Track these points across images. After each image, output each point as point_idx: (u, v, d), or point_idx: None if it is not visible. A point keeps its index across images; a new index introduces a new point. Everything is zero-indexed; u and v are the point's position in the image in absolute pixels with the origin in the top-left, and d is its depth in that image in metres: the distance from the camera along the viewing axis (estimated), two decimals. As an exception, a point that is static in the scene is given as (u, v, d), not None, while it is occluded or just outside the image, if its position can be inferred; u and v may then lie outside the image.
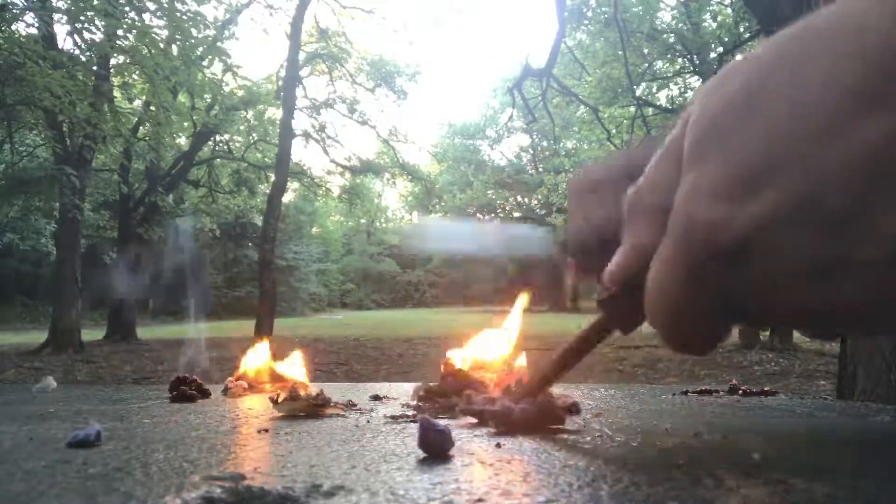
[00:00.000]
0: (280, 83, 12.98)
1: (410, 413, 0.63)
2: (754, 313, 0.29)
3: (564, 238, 0.43)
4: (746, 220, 0.26)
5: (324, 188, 18.24)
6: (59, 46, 8.51)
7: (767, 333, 8.52)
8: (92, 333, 11.03)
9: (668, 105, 12.06)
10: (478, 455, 0.41)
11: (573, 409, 0.55)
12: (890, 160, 0.23)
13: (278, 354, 0.99)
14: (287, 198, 19.25)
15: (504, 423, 0.50)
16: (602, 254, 0.37)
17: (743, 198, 0.26)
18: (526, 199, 31.57)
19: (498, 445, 0.45)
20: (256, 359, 0.96)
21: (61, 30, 8.74)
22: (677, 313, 0.30)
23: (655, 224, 0.32)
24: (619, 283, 0.35)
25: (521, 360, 0.73)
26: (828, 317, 0.27)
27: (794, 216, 0.25)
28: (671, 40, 11.26)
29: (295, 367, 0.94)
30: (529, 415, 0.50)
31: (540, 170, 27.44)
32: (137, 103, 11.85)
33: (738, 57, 0.31)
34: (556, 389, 0.72)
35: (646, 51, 11.54)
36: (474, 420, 0.55)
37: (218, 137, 14.17)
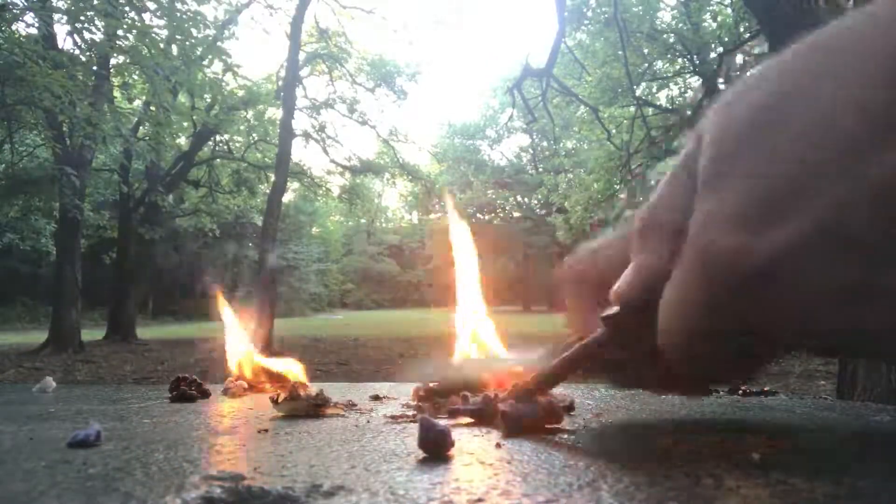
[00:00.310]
0: (280, 83, 12.98)
1: (410, 413, 0.63)
2: (773, 340, 0.29)
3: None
4: (768, 248, 0.25)
5: (324, 188, 18.24)
6: (59, 46, 8.51)
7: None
8: (92, 333, 11.03)
9: (668, 105, 12.07)
10: (478, 455, 0.41)
11: (570, 407, 0.55)
12: None
13: (278, 354, 0.99)
14: (287, 198, 19.25)
15: (516, 425, 0.50)
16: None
17: (765, 225, 0.25)
18: (526, 199, 31.59)
19: (498, 445, 0.45)
20: (245, 358, 0.95)
21: (61, 30, 8.75)
22: (696, 334, 0.30)
23: (667, 244, 0.31)
24: (626, 301, 0.35)
25: (515, 359, 0.73)
26: (851, 344, 0.27)
27: (818, 244, 0.24)
28: (671, 40, 11.26)
29: (291, 366, 0.94)
30: (535, 415, 0.50)
31: (540, 170, 27.45)
32: (137, 103, 11.85)
33: (753, 70, 0.29)
34: (558, 389, 0.72)
35: (646, 51, 11.54)
36: (470, 420, 0.55)
37: (218, 137, 14.17)
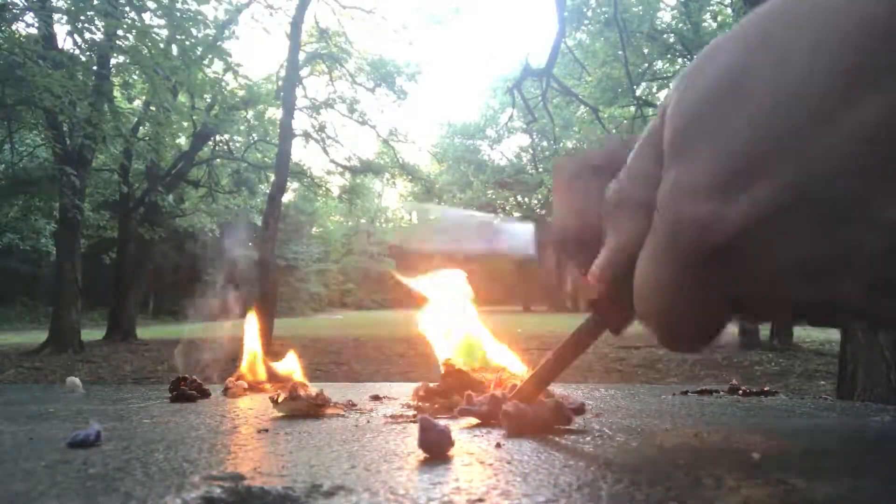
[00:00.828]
0: (280, 83, 12.97)
1: (410, 413, 0.63)
2: (751, 310, 0.28)
3: (551, 234, 0.42)
4: (737, 216, 0.24)
5: (324, 188, 18.24)
6: (59, 46, 8.51)
7: (767, 333, 8.53)
8: (92, 333, 11.03)
9: (668, 105, 12.06)
10: (478, 455, 0.41)
11: (580, 409, 0.55)
12: (886, 144, 0.21)
13: (278, 354, 0.99)
14: (287, 198, 19.27)
15: (518, 425, 0.50)
16: (583, 248, 0.36)
17: (731, 194, 0.24)
18: (526, 199, 31.58)
19: (498, 445, 0.45)
20: (253, 358, 0.95)
21: (61, 30, 8.75)
22: (668, 312, 0.29)
23: (639, 220, 0.30)
24: (605, 281, 0.34)
25: (512, 360, 0.73)
26: (828, 311, 0.26)
27: (787, 210, 0.23)
28: (671, 40, 11.26)
29: (291, 366, 0.94)
30: (541, 416, 0.50)
31: (540, 170, 27.44)
32: (137, 103, 11.85)
33: (718, 37, 0.28)
34: (557, 389, 0.72)
35: (646, 51, 11.55)
36: (475, 421, 0.55)
37: (218, 137, 14.16)
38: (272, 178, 11.27)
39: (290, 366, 0.94)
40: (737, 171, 0.24)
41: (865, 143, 0.22)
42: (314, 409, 0.63)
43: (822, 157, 0.22)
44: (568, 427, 0.52)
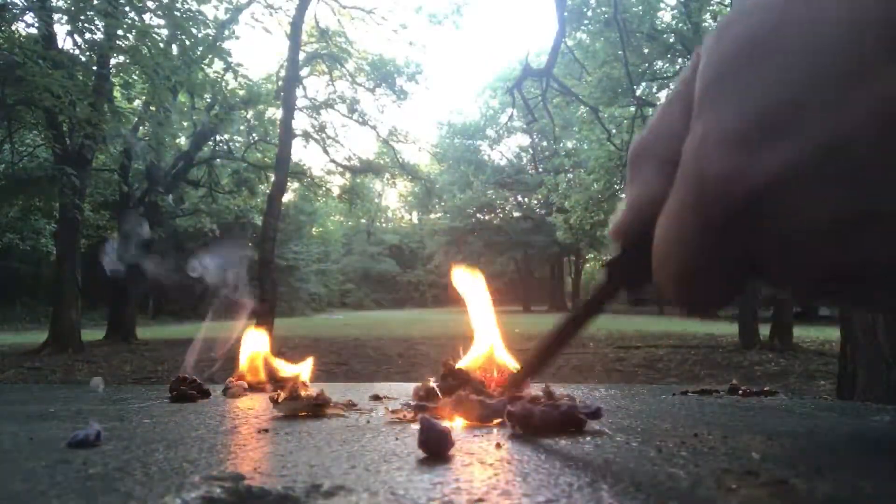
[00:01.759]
0: (280, 83, 12.98)
1: (410, 413, 0.63)
2: (773, 272, 0.26)
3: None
4: (764, 171, 0.23)
5: (324, 188, 18.25)
6: (60, 46, 8.51)
7: (768, 333, 8.54)
8: (92, 333, 11.03)
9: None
10: (478, 455, 0.41)
11: (596, 414, 0.54)
12: None
13: (279, 355, 0.99)
14: (287, 198, 19.26)
15: (524, 426, 0.50)
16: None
17: (760, 147, 0.24)
18: (526, 199, 31.59)
19: (498, 445, 0.45)
20: (256, 356, 0.95)
21: (61, 30, 8.75)
22: (688, 271, 0.28)
23: (662, 175, 0.29)
24: (622, 237, 0.33)
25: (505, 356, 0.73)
26: (852, 277, 0.24)
27: (816, 166, 0.22)
28: (671, 40, 11.26)
29: (298, 368, 0.94)
30: (550, 418, 0.50)
31: (540, 170, 27.45)
32: (137, 103, 11.85)
33: None
34: (563, 390, 0.72)
35: (646, 51, 11.55)
36: (498, 420, 0.55)
37: (218, 137, 14.17)
38: (272, 178, 11.28)
39: (300, 369, 0.94)
40: (768, 123, 0.24)
41: None
42: (314, 409, 0.63)
43: (856, 113, 0.22)
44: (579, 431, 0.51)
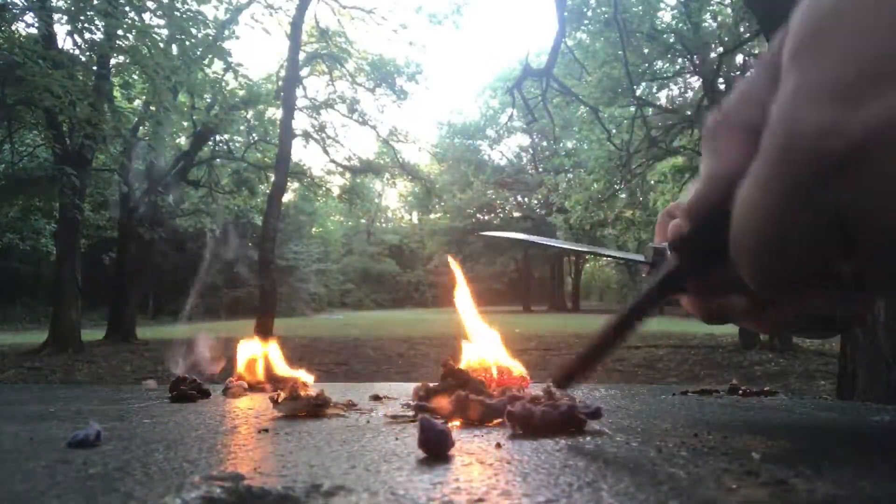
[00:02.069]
0: (280, 83, 12.98)
1: (410, 413, 0.63)
2: (870, 241, 0.24)
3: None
4: (864, 123, 0.22)
5: (324, 188, 18.25)
6: (59, 46, 8.51)
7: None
8: (92, 333, 11.03)
9: (668, 105, 12.07)
10: (478, 455, 0.41)
11: (596, 414, 0.54)
12: None
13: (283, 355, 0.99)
14: (287, 198, 19.26)
15: (525, 426, 0.50)
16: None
17: (860, 98, 0.22)
18: (526, 199, 31.60)
19: (498, 445, 0.45)
20: (254, 357, 0.95)
21: (61, 30, 8.74)
22: (771, 243, 0.25)
23: (743, 146, 0.27)
24: (696, 216, 0.30)
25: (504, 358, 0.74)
26: None
27: None
28: (671, 40, 11.26)
29: (301, 375, 0.94)
30: (550, 418, 0.50)
31: (540, 170, 27.45)
32: (137, 103, 11.85)
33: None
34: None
35: (646, 51, 11.54)
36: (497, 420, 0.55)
37: (218, 137, 14.17)
38: (272, 178, 11.28)
39: (298, 374, 0.94)
40: (868, 73, 0.22)
41: None
42: (314, 409, 0.63)
43: None
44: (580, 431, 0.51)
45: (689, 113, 10.88)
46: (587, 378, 0.45)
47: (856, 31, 0.23)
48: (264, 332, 8.50)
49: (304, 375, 0.94)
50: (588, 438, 0.48)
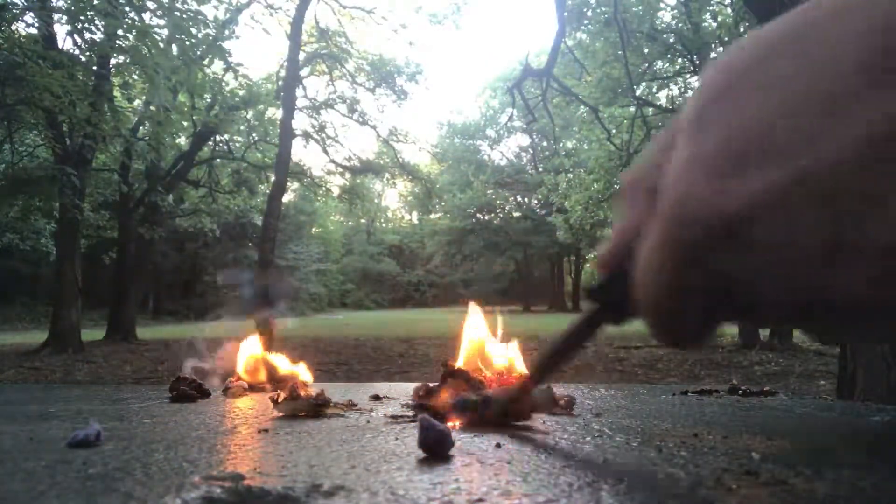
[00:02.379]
0: (280, 83, 12.98)
1: (410, 413, 0.63)
2: (751, 304, 0.27)
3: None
4: (746, 196, 0.24)
5: (324, 188, 18.25)
6: (59, 46, 8.51)
7: (768, 333, 8.53)
8: (92, 333, 11.03)
9: (668, 105, 12.06)
10: (478, 455, 0.41)
11: (570, 404, 0.54)
12: None
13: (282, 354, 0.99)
14: (287, 198, 19.29)
15: (494, 410, 0.51)
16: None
17: (743, 172, 0.24)
18: (526, 199, 31.59)
19: (498, 445, 0.45)
20: (253, 357, 0.96)
21: (61, 30, 8.75)
22: (667, 299, 0.28)
23: (647, 207, 0.29)
24: (606, 268, 0.33)
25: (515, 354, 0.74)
26: (829, 310, 0.25)
27: (797, 195, 0.23)
28: (671, 40, 11.26)
29: (298, 369, 0.94)
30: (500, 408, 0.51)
31: (540, 170, 27.44)
32: (137, 103, 11.84)
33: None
34: (557, 389, 0.72)
35: (646, 51, 11.53)
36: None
37: (218, 137, 14.16)
38: (272, 178, 11.27)
39: (297, 370, 0.94)
40: (750, 149, 0.24)
41: (882, 141, 0.21)
42: (314, 409, 0.63)
43: (840, 146, 0.22)
44: (533, 424, 0.52)
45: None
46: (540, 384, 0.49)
47: (740, 107, 0.25)
48: (264, 332, 8.48)
49: (303, 371, 0.94)
50: (588, 438, 0.48)
